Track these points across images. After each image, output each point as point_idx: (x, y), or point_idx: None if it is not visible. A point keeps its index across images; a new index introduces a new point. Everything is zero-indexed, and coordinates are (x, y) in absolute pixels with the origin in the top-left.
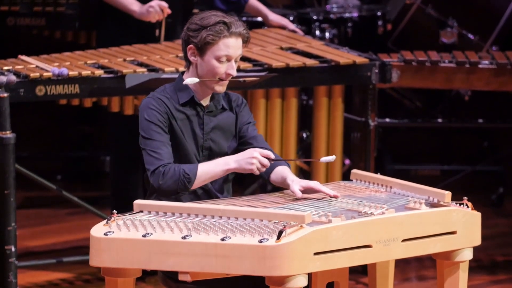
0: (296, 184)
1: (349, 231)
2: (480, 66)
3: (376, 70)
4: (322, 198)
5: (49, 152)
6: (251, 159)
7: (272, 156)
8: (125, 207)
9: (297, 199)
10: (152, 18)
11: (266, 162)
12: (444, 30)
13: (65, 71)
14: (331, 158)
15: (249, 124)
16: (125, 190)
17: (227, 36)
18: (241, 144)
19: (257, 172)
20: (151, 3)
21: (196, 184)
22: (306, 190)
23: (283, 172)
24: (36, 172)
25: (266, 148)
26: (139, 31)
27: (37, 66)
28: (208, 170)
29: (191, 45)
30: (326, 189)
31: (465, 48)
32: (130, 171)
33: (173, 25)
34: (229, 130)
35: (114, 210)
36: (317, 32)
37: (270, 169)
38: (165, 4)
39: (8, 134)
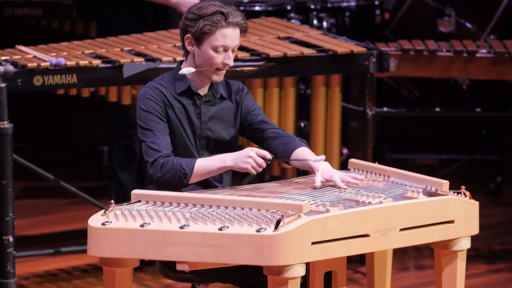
0: (319, 175)
1: (347, 220)
2: (478, 55)
3: (374, 59)
4: (325, 187)
5: (47, 142)
6: (247, 158)
7: (268, 156)
8: (123, 197)
9: (296, 188)
10: None
11: (261, 162)
12: (441, 19)
13: (62, 61)
14: (321, 158)
15: (255, 110)
16: (123, 180)
17: (224, 26)
18: (250, 130)
19: (253, 172)
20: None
21: (193, 179)
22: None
23: (305, 156)
24: (34, 162)
25: (274, 128)
26: (139, 21)
27: (34, 56)
28: (204, 166)
29: (188, 35)
30: (341, 183)
31: (463, 37)
32: (128, 161)
33: None
34: (228, 119)
35: (112, 200)
36: (315, 22)
37: (289, 151)
38: None
39: (6, 124)
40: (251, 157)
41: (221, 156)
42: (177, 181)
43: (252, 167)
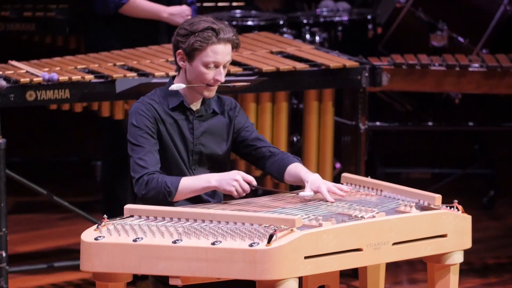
0: (308, 187)
1: (339, 234)
2: (470, 69)
3: (366, 74)
4: (317, 200)
5: (39, 157)
6: (233, 181)
7: (254, 183)
8: (116, 212)
9: (289, 202)
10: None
11: (246, 187)
12: (434, 33)
13: (55, 76)
14: (309, 194)
15: (248, 126)
16: (115, 194)
17: (215, 43)
18: (244, 147)
19: (236, 195)
20: (185, 11)
21: (178, 197)
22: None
23: (296, 171)
24: (26, 177)
25: (269, 146)
26: (127, 35)
27: (27, 71)
28: (189, 185)
29: (180, 50)
30: (328, 195)
31: (455, 51)
32: (121, 176)
33: None
34: (220, 134)
35: (105, 215)
36: (307, 36)
37: (283, 169)
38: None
39: None
40: (237, 180)
41: (207, 176)
42: (162, 199)
43: (236, 190)
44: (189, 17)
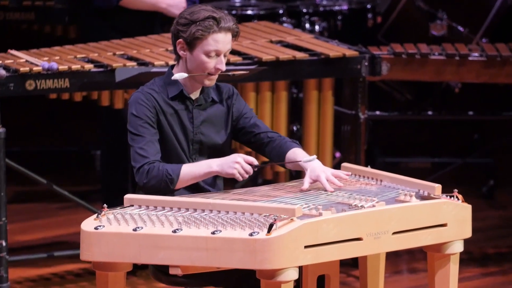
0: (307, 177)
1: (339, 224)
2: (470, 58)
3: (366, 63)
4: (317, 190)
5: (39, 146)
6: (234, 163)
7: (256, 163)
8: (116, 201)
9: (289, 191)
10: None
11: (248, 168)
12: (434, 22)
13: (54, 65)
14: (312, 158)
15: (246, 113)
16: (115, 184)
17: (216, 31)
18: (243, 134)
19: (239, 178)
20: (182, 4)
21: (180, 185)
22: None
23: (296, 157)
24: (26, 166)
25: (267, 131)
26: (124, 28)
27: (26, 61)
28: (190, 171)
29: (180, 40)
30: (327, 184)
31: (455, 40)
32: (121, 165)
33: None
34: (219, 122)
35: (105, 204)
36: (307, 25)
37: (282, 155)
38: None
39: None
40: (238, 162)
41: (207, 161)
42: (163, 187)
43: (239, 172)
44: None
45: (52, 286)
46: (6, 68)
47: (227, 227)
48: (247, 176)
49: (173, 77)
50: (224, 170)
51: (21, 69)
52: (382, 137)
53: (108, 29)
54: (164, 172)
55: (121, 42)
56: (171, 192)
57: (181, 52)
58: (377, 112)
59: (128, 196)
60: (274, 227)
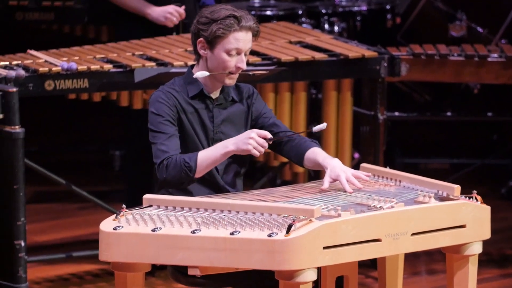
0: (327, 176)
1: (358, 225)
2: (489, 59)
3: (385, 64)
4: (336, 190)
5: (58, 146)
6: (248, 139)
7: (269, 136)
8: (138, 202)
9: (308, 192)
10: (170, 23)
11: (262, 142)
12: (453, 23)
13: (74, 65)
14: (323, 125)
15: (266, 113)
16: (138, 184)
17: (237, 30)
18: None
19: (256, 153)
20: (168, 9)
21: (199, 171)
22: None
23: (315, 157)
24: (45, 166)
25: (286, 131)
26: (156, 26)
27: (46, 61)
28: (208, 155)
29: (201, 39)
30: (347, 185)
31: (474, 41)
32: (144, 166)
33: (190, 25)
34: (239, 122)
35: (124, 205)
36: (326, 26)
37: (301, 155)
38: (181, 10)
39: (17, 129)
40: (252, 138)
41: (223, 142)
42: (184, 177)
43: (254, 147)
44: (173, 16)
45: (71, 287)
46: (25, 68)
47: (246, 228)
48: (262, 150)
49: (194, 75)
50: (240, 147)
51: (40, 69)
52: (401, 138)
53: (142, 31)
54: (181, 162)
55: (140, 43)
56: (192, 181)
57: (201, 51)
58: (396, 113)
59: (147, 197)
60: (293, 228)
